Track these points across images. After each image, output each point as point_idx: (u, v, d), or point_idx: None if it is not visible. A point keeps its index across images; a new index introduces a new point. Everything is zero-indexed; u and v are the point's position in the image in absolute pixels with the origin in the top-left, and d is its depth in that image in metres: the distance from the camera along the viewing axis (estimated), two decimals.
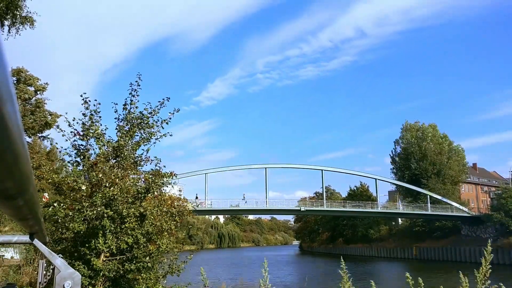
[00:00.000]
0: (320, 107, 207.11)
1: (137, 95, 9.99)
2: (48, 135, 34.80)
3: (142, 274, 8.42)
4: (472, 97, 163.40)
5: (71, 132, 9.34)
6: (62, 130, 9.38)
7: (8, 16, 20.83)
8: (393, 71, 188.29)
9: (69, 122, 9.34)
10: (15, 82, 33.01)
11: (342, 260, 4.65)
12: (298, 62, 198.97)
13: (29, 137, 33.23)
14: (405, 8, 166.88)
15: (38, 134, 34.37)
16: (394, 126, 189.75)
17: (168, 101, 10.18)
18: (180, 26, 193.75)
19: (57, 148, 27.29)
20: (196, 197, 51.45)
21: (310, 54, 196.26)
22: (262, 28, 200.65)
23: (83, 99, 9.49)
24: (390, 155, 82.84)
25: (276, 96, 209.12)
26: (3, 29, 20.76)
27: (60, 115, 32.02)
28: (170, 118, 10.17)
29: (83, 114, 9.50)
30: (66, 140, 9.35)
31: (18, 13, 20.97)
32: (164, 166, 9.74)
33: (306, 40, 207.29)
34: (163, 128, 10.06)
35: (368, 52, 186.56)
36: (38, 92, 34.84)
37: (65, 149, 9.48)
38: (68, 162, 9.90)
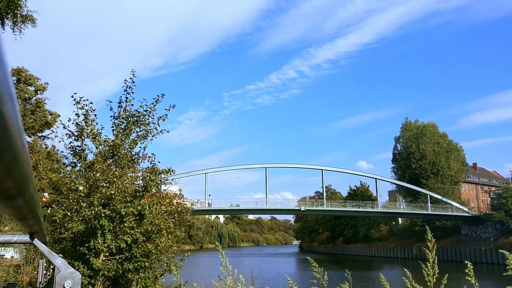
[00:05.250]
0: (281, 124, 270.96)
1: (132, 92, 9.95)
2: (48, 135, 34.81)
3: (140, 274, 8.42)
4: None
5: (66, 134, 9.31)
6: (55, 132, 9.38)
7: (9, 16, 20.86)
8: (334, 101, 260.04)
9: (63, 124, 9.30)
10: (15, 81, 33.02)
11: (311, 260, 4.46)
12: (256, 93, 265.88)
13: (29, 136, 33.24)
14: (332, 58, 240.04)
15: (38, 133, 34.38)
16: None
17: (163, 97, 10.16)
18: (156, 77, 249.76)
19: (55, 150, 27.34)
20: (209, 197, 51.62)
21: (265, 89, 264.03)
22: (223, 70, 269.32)
23: (74, 99, 9.39)
24: (392, 153, 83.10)
25: (243, 117, 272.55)
26: (4, 28, 20.78)
27: (59, 115, 31.95)
28: (166, 115, 10.14)
29: (76, 115, 9.42)
30: (60, 142, 9.33)
31: (18, 12, 21.00)
32: (159, 162, 9.74)
33: (259, 79, 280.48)
34: (159, 125, 10.05)
35: (311, 88, 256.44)
36: (38, 92, 34.85)
37: (62, 152, 9.47)
38: (64, 163, 9.87)
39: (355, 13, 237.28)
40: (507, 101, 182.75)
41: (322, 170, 61.13)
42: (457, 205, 65.94)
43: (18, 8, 20.88)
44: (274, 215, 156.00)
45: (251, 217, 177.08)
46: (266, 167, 57.85)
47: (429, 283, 3.76)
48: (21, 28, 21.71)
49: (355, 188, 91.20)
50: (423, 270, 3.77)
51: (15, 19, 21.16)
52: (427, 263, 3.82)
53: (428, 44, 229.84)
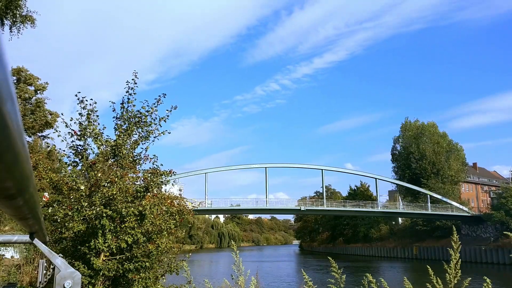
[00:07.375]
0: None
1: (134, 93, 9.95)
2: (48, 134, 34.82)
3: (141, 274, 8.42)
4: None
5: (69, 133, 9.30)
6: (58, 131, 9.35)
7: (9, 16, 20.84)
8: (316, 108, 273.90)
9: (66, 123, 9.29)
10: (15, 81, 33.01)
11: (331, 260, 4.54)
12: (244, 103, 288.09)
13: (29, 136, 33.25)
14: (311, 73, 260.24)
15: (38, 133, 34.39)
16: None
17: (164, 97, 10.15)
18: (151, 90, 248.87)
19: (55, 150, 27.30)
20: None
21: (251, 99, 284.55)
22: (212, 83, 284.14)
23: (78, 99, 9.40)
24: (391, 153, 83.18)
25: (231, 123, 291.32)
26: (3, 28, 20.77)
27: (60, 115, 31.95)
28: (168, 116, 10.14)
29: (80, 114, 9.42)
30: (62, 141, 9.30)
31: (18, 12, 20.98)
32: (162, 165, 9.73)
33: (246, 91, 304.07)
34: (161, 126, 10.04)
35: (294, 98, 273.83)
36: (38, 92, 34.86)
37: (63, 151, 9.43)
38: (66, 163, 9.85)
39: (326, 37, 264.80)
40: (483, 108, 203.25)
41: (322, 170, 61.16)
42: (457, 205, 65.93)
43: (18, 8, 20.86)
44: (274, 215, 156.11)
45: (251, 217, 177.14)
46: (266, 167, 57.85)
47: (449, 283, 3.76)
48: (20, 28, 21.69)
49: (355, 188, 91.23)
50: (447, 270, 3.77)
51: (14, 19, 21.14)
52: (451, 263, 3.83)
53: (397, 60, 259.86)
